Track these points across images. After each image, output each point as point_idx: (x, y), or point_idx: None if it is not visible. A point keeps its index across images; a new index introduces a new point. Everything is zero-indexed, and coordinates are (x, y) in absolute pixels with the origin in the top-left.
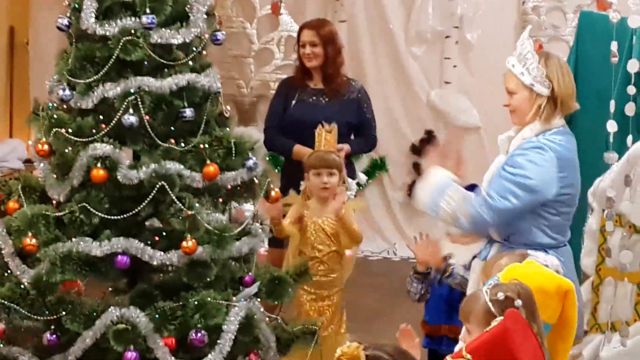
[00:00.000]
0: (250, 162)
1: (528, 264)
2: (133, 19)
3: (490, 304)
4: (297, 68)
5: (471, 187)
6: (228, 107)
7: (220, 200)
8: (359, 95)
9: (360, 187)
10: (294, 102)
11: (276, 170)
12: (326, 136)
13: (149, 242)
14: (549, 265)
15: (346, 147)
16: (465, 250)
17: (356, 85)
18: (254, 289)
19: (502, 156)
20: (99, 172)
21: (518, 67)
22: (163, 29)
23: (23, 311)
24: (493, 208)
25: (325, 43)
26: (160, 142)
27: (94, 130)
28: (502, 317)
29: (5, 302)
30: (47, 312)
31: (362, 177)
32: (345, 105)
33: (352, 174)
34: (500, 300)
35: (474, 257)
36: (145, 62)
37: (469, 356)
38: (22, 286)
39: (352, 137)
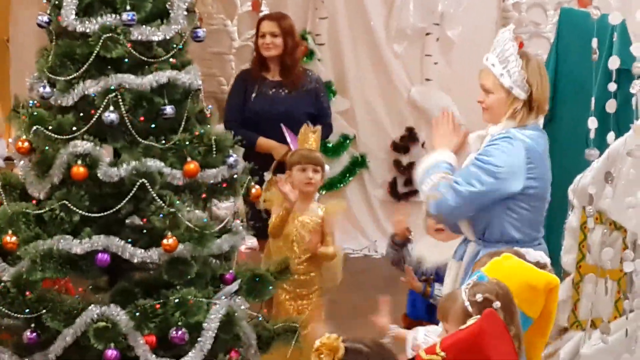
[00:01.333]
0: (231, 160)
1: (506, 258)
2: (113, 16)
3: (468, 305)
4: (255, 59)
5: None
6: (209, 105)
7: (201, 197)
8: (316, 86)
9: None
10: (253, 94)
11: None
12: (311, 136)
13: (129, 240)
14: (540, 262)
15: None
16: (439, 249)
17: (312, 75)
18: (234, 286)
19: (474, 154)
20: (79, 170)
21: (498, 68)
22: (143, 26)
23: (3, 309)
24: (457, 191)
25: (285, 34)
26: (140, 140)
27: (74, 128)
28: (478, 317)
29: None
30: (27, 310)
31: (326, 168)
32: (304, 96)
33: None
34: (479, 302)
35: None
36: (126, 59)
37: (442, 353)
38: (2, 284)
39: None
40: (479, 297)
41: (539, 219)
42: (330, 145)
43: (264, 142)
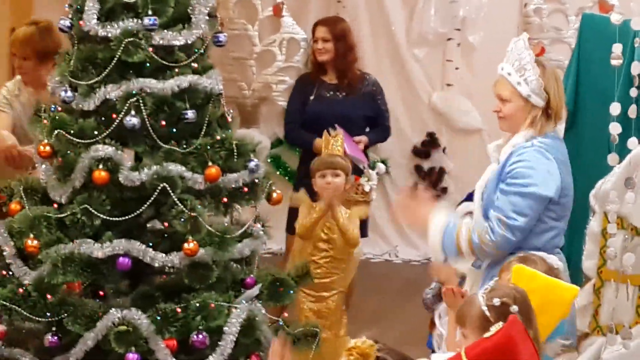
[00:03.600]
0: (252, 164)
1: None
2: (135, 20)
3: (486, 309)
4: (312, 63)
5: (471, 195)
6: (230, 109)
7: (222, 202)
8: (373, 88)
9: (380, 177)
10: (312, 97)
11: (277, 172)
12: (333, 142)
13: (150, 244)
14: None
15: (364, 139)
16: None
17: (370, 78)
18: (255, 290)
19: (494, 165)
20: (100, 174)
21: (515, 77)
22: (165, 31)
23: (24, 313)
24: (516, 227)
25: (336, 39)
26: (162, 144)
27: (95, 132)
28: (501, 323)
29: (7, 304)
30: (48, 314)
31: (381, 167)
32: (361, 99)
33: (371, 166)
34: (496, 306)
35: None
36: (147, 64)
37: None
38: (24, 288)
39: (368, 128)
40: (496, 302)
41: (561, 228)
42: None
43: (320, 142)
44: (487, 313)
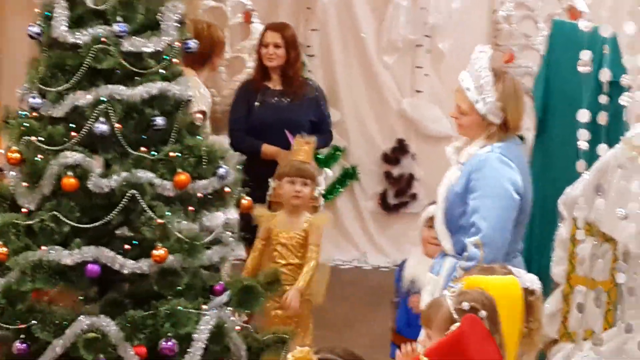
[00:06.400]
0: (221, 171)
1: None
2: (104, 27)
3: (454, 313)
4: (256, 69)
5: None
6: (200, 116)
7: (192, 208)
8: (316, 94)
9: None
10: (256, 103)
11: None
12: (304, 147)
13: (119, 251)
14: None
15: (314, 140)
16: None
17: (313, 84)
18: (224, 297)
19: (454, 168)
20: (69, 181)
21: (473, 94)
22: (134, 37)
23: None
24: (500, 241)
25: (288, 45)
26: (131, 151)
27: (64, 139)
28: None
29: None
30: (17, 321)
31: (328, 172)
32: (306, 104)
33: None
34: (465, 310)
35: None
36: (117, 71)
37: (425, 359)
38: None
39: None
40: (465, 306)
41: (520, 232)
42: (321, 156)
43: (268, 148)
44: (455, 316)
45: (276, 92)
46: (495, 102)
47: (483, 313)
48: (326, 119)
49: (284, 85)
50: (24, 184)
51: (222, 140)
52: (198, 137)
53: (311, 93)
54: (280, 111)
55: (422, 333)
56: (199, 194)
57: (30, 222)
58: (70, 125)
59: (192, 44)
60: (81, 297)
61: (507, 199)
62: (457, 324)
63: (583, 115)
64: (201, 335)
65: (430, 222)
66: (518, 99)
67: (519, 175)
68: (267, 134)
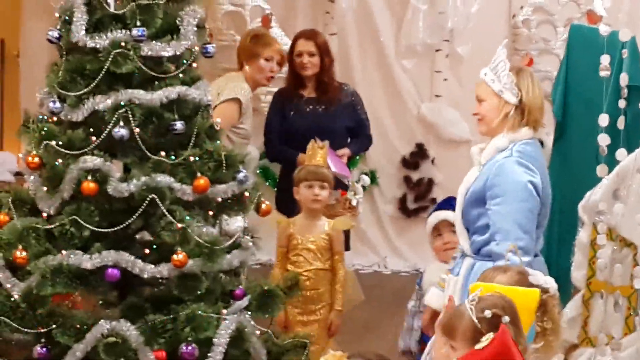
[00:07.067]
0: (240, 175)
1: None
2: (123, 31)
3: (477, 322)
4: (289, 77)
5: (447, 200)
6: (219, 120)
7: (211, 213)
8: (352, 99)
9: (366, 188)
10: (291, 112)
11: (267, 184)
12: (319, 152)
13: (139, 255)
14: (548, 285)
15: (347, 151)
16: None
17: (348, 89)
18: (244, 302)
19: (475, 168)
20: (89, 185)
21: (490, 75)
22: (153, 42)
23: (13, 324)
24: (531, 243)
25: (322, 53)
26: (150, 155)
27: (84, 143)
28: (492, 334)
29: None
30: (37, 325)
31: (365, 179)
32: (341, 111)
33: (355, 178)
34: (488, 318)
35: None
36: (136, 75)
37: None
38: (12, 299)
39: (349, 139)
40: (487, 314)
41: (540, 232)
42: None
43: (304, 158)
44: (479, 325)
45: (311, 100)
46: (509, 75)
47: (506, 319)
48: (364, 122)
49: (318, 93)
50: (44, 188)
51: (252, 149)
52: (217, 141)
53: (346, 98)
54: (315, 119)
55: (434, 338)
56: (218, 199)
57: (50, 226)
58: (90, 129)
59: (211, 48)
60: (101, 302)
61: (529, 201)
62: (489, 336)
63: (604, 120)
64: (221, 340)
65: (436, 232)
66: (535, 83)
67: (538, 176)
68: (304, 143)
